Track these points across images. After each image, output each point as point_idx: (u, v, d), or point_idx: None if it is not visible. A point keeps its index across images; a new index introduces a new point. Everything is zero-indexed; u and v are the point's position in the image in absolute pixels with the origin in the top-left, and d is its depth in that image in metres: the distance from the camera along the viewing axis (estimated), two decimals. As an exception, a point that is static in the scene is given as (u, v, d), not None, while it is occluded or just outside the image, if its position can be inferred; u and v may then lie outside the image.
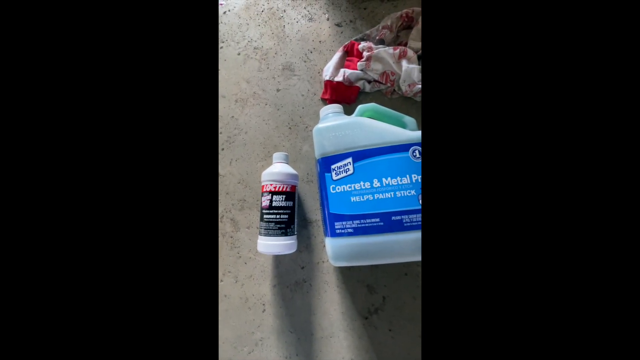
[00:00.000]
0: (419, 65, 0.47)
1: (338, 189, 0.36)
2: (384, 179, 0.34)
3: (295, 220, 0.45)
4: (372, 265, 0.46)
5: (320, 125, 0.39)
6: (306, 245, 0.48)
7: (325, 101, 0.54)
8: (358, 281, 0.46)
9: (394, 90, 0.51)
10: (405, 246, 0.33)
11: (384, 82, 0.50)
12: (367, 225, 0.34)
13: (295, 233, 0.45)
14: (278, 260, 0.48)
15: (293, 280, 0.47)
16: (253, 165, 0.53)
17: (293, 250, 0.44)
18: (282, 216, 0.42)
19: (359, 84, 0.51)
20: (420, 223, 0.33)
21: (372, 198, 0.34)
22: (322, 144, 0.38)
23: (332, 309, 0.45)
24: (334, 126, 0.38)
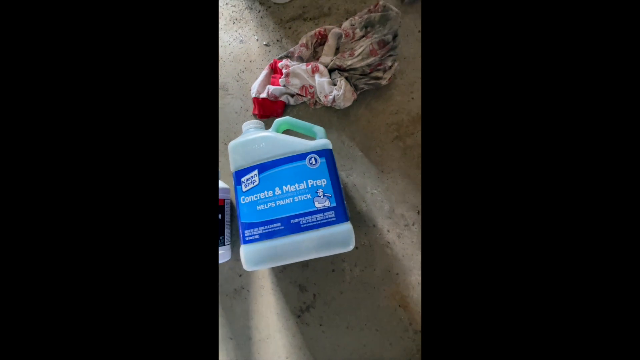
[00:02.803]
0: (329, 78, 0.51)
1: (247, 199, 0.39)
2: (284, 187, 0.38)
3: (226, 231, 0.48)
4: (302, 265, 0.49)
5: (233, 141, 0.43)
6: (243, 254, 0.51)
7: (256, 116, 0.57)
8: (290, 282, 0.49)
9: (316, 101, 0.55)
10: (304, 245, 0.36)
11: (304, 95, 0.54)
12: (270, 230, 0.37)
13: (227, 243, 0.48)
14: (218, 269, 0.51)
15: (232, 288, 0.50)
16: (192, 183, 0.56)
17: (225, 259, 0.47)
18: (209, 228, 0.45)
19: (283, 98, 0.55)
20: (314, 223, 0.36)
21: (274, 205, 0.37)
22: (234, 158, 0.42)
23: (268, 311, 0.48)
24: (244, 142, 0.42)
